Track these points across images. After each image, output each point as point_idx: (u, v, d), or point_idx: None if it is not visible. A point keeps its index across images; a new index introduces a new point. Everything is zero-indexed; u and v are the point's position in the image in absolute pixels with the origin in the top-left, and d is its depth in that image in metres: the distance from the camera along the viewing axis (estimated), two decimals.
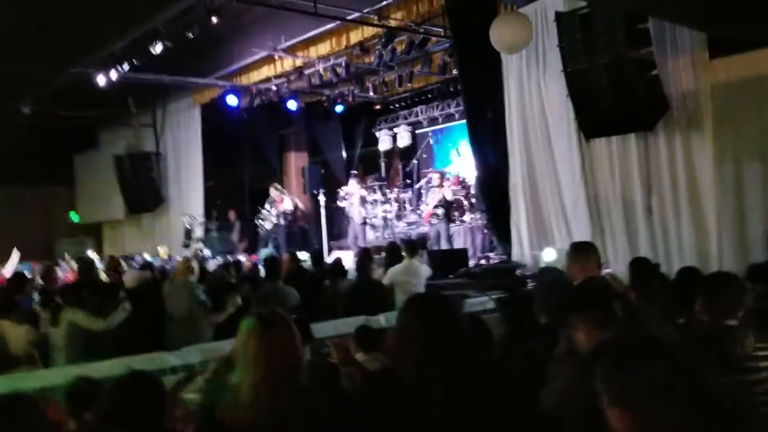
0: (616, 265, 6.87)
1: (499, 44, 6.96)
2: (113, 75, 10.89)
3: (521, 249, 8.27)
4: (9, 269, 8.95)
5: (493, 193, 8.76)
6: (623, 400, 1.46)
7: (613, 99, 6.77)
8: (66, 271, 8.65)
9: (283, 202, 13.32)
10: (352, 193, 12.94)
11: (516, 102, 8.22)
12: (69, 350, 5.40)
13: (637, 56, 6.54)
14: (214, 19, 9.29)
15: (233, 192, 15.14)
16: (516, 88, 8.20)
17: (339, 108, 14.00)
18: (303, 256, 7.89)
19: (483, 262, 9.13)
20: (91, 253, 8.56)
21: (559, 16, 7.00)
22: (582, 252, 3.98)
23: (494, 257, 9.14)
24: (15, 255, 9.29)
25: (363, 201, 12.94)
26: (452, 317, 2.31)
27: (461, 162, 11.92)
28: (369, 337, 4.59)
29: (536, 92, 7.96)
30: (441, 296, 2.40)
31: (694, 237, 6.74)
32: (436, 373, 2.12)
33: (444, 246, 10.28)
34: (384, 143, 15.16)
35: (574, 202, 7.64)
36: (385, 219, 12.88)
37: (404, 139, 14.68)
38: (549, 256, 7.88)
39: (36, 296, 6.39)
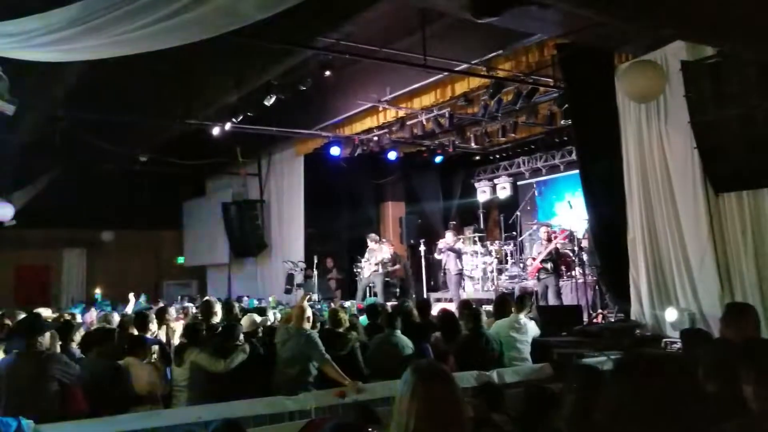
0: None
1: (630, 93, 6.73)
2: (227, 126, 11.36)
3: (641, 307, 7.79)
4: (129, 309, 9.51)
5: (608, 247, 8.34)
6: None
7: (746, 151, 6.45)
8: (179, 312, 8.91)
9: (381, 251, 13.32)
10: (449, 244, 12.77)
11: (635, 153, 7.88)
12: (191, 390, 5.47)
13: None
14: (327, 73, 9.50)
15: (331, 240, 15.33)
16: (635, 138, 7.87)
17: (438, 158, 14.01)
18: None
19: (596, 320, 8.68)
20: (211, 297, 8.89)
21: (685, 65, 6.73)
22: (737, 314, 3.91)
23: (610, 315, 8.66)
24: (132, 298, 10.04)
25: (461, 253, 12.75)
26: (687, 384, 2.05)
27: (567, 214, 11.54)
28: (496, 395, 4.40)
29: (657, 143, 7.61)
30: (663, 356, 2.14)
31: None
32: None
33: (552, 301, 9.91)
34: (483, 194, 15.03)
35: (700, 259, 7.15)
36: (485, 271, 12.62)
37: (505, 191, 14.48)
38: (671, 316, 7.42)
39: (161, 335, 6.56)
